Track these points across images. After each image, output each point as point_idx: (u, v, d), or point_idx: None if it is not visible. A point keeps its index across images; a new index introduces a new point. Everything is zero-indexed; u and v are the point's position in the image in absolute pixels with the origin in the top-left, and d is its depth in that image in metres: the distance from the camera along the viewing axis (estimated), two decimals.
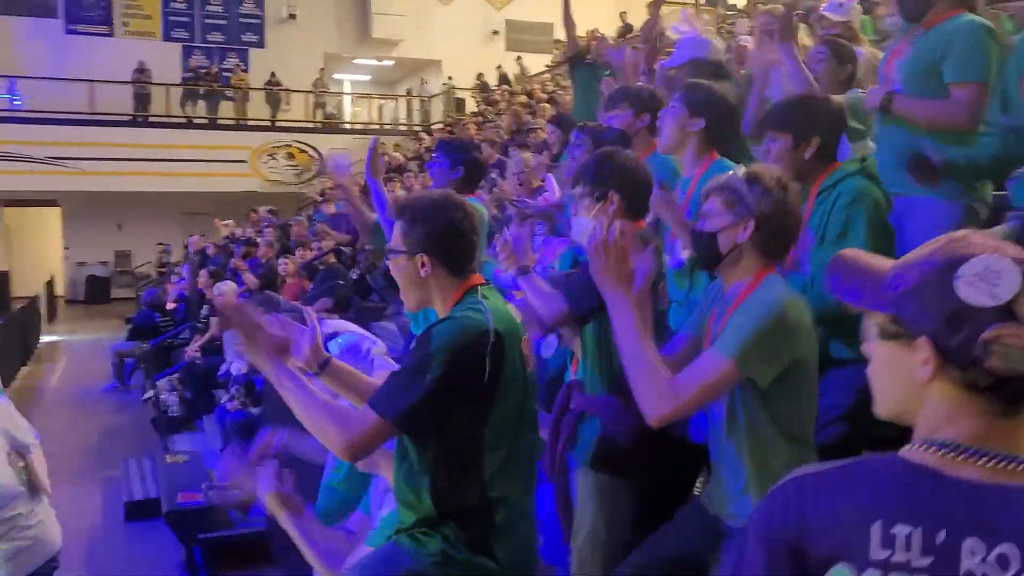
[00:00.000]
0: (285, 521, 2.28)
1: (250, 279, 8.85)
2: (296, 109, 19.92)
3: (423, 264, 1.91)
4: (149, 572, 5.27)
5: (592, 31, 7.15)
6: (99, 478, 6.94)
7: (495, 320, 1.85)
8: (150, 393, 8.15)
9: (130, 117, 18.58)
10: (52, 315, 16.09)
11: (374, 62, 21.91)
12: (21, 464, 3.43)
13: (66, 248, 20.12)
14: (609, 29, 10.40)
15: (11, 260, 19.22)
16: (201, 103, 19.39)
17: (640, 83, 4.39)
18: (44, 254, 19.91)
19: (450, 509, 1.85)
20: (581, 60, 6.68)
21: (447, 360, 1.77)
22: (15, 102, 17.84)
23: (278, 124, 19.49)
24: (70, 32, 19.21)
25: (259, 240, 10.56)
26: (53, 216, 20.17)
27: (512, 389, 1.88)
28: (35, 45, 18.43)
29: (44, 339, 14.17)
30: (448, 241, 1.93)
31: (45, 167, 17.40)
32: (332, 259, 8.52)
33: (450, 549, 1.84)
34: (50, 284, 16.67)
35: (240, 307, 1.92)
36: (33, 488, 3.46)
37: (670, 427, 2.58)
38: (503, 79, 19.00)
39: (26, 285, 17.47)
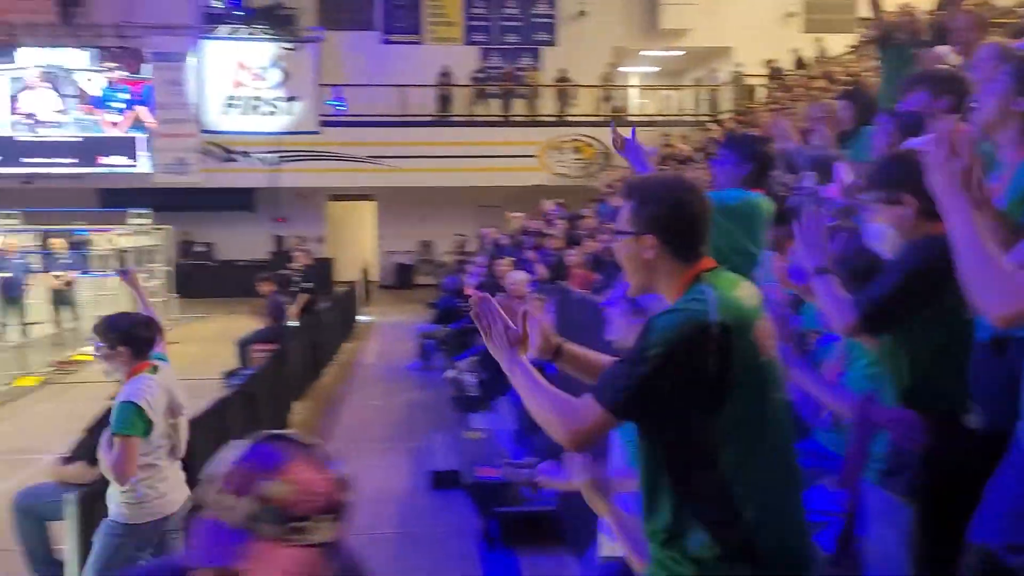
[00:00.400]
0: (600, 508, 2.35)
1: (540, 269, 9.26)
2: (584, 104, 20.45)
3: (649, 246, 1.87)
4: (452, 538, 5.71)
5: (904, 5, 6.58)
6: (408, 447, 7.64)
7: (722, 310, 1.77)
8: (450, 373, 8.81)
9: (433, 117, 20.17)
10: (366, 298, 17.90)
11: (661, 53, 21.84)
12: (172, 422, 3.72)
13: (379, 238, 22.30)
14: (923, 1, 9.50)
15: (334, 249, 21.74)
16: (496, 102, 20.60)
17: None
18: (361, 243, 22.20)
19: (691, 509, 1.81)
20: (889, 39, 6.19)
21: (663, 353, 1.73)
22: (341, 108, 20.07)
23: (566, 119, 20.15)
24: (386, 42, 21.25)
25: (548, 232, 10.99)
26: (369, 209, 22.45)
27: (747, 380, 1.79)
28: (357, 56, 20.60)
29: (361, 319, 15.78)
30: (676, 223, 1.87)
31: (363, 165, 19.47)
32: None
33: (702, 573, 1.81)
34: (365, 271, 18.58)
35: (483, 300, 1.97)
36: (174, 448, 3.75)
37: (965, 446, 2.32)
38: (799, 63, 18.08)
39: (346, 271, 19.65)
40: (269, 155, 19.37)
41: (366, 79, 19.93)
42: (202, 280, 19.33)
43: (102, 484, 3.63)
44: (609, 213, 10.72)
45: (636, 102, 22.30)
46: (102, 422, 3.93)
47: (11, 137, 18.57)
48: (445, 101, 20.29)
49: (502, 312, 1.96)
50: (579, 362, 2.17)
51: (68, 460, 4.56)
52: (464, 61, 20.76)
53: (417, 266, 22.04)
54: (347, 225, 22.91)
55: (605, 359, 2.18)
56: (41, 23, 18.85)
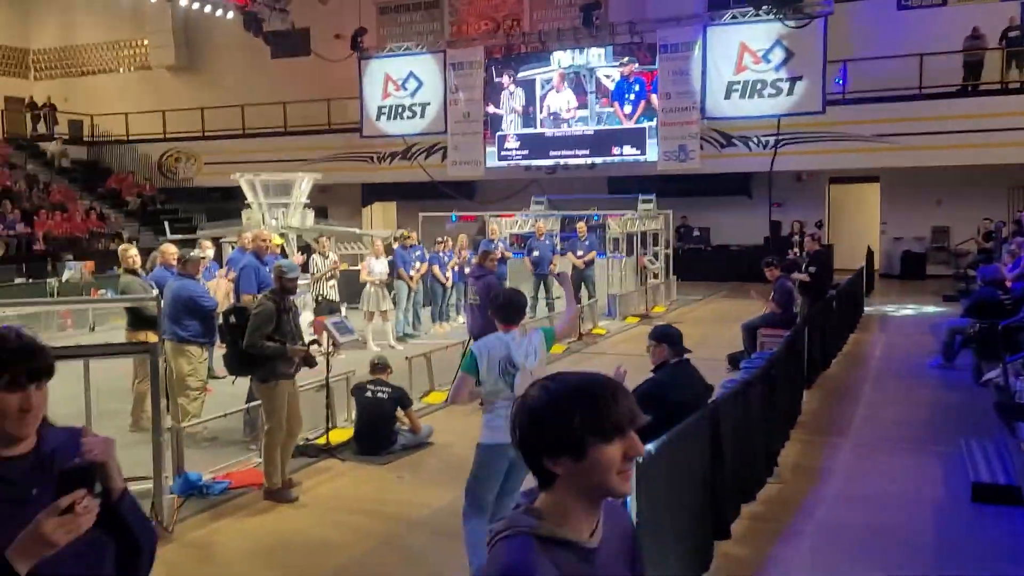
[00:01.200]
0: None
1: None
2: None
3: None
4: (1001, 560, 4.94)
5: None
6: (936, 452, 6.84)
7: None
8: (993, 374, 7.67)
9: (957, 87, 17.93)
10: (869, 288, 16.67)
11: None
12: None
13: (883, 223, 20.62)
14: None
15: (835, 234, 20.69)
16: None
17: None
18: (863, 229, 20.78)
19: None
20: None
21: None
22: (840, 84, 18.94)
23: None
24: (902, 8, 19.48)
25: None
26: (872, 192, 20.90)
27: None
28: (868, 27, 19.20)
29: (866, 310, 14.73)
30: None
31: (869, 145, 18.09)
32: None
33: None
34: (869, 258, 17.32)
35: None
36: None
37: None
38: None
39: (845, 258, 18.52)
40: (768, 138, 19.08)
41: (878, 51, 18.49)
42: (697, 264, 19.88)
43: None
44: None
45: None
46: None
47: (542, 133, 21.06)
48: (973, 68, 17.85)
49: None
50: None
51: None
52: (998, 19, 18.01)
53: (929, 254, 19.91)
54: (848, 209, 21.67)
55: None
56: (566, 28, 21.02)
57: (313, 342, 6.57)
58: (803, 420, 7.65)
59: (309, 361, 6.32)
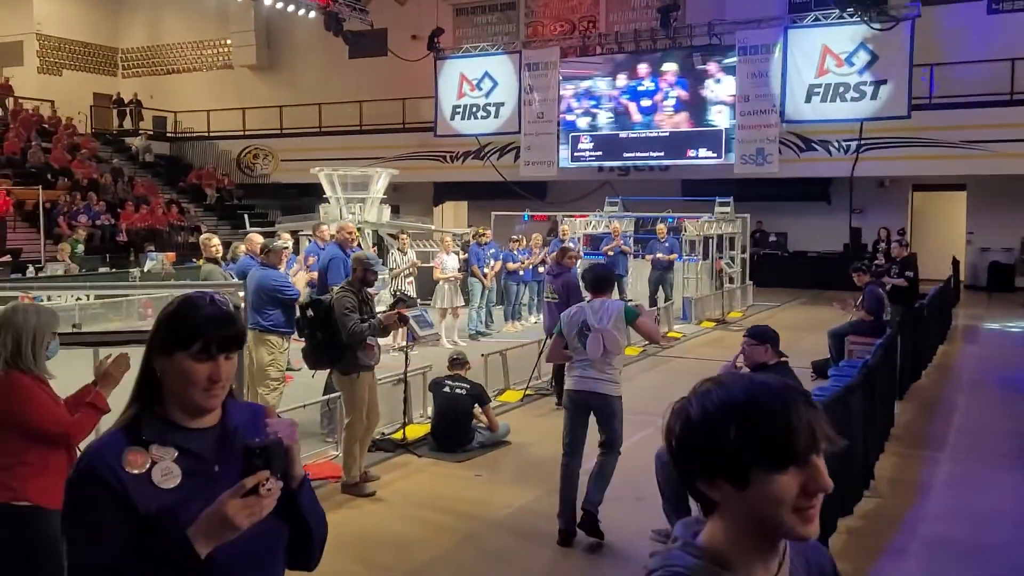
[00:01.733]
0: None
1: None
2: None
3: None
4: None
5: None
6: None
7: None
8: None
9: None
10: (955, 300, 16.01)
11: None
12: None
13: (969, 232, 19.83)
14: None
15: (916, 243, 19.94)
16: None
17: None
18: (947, 238, 20.01)
19: None
20: None
21: None
22: (927, 87, 18.26)
23: None
24: (992, 12, 18.70)
25: None
26: (958, 200, 20.12)
27: None
28: (957, 30, 18.48)
29: (955, 322, 14.15)
30: None
31: (956, 151, 17.42)
32: None
33: None
34: (954, 268, 16.63)
35: None
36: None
37: None
38: None
39: (927, 268, 17.76)
40: (849, 143, 18.51)
41: (966, 55, 17.79)
42: (773, 270, 19.38)
43: None
44: None
45: None
46: None
47: (616, 134, 20.79)
48: None
49: None
50: None
51: None
52: None
53: (1018, 265, 19.07)
54: (931, 217, 20.90)
55: None
56: (643, 30, 20.74)
57: (399, 301, 6.43)
58: (896, 433, 7.31)
59: (403, 319, 6.23)
